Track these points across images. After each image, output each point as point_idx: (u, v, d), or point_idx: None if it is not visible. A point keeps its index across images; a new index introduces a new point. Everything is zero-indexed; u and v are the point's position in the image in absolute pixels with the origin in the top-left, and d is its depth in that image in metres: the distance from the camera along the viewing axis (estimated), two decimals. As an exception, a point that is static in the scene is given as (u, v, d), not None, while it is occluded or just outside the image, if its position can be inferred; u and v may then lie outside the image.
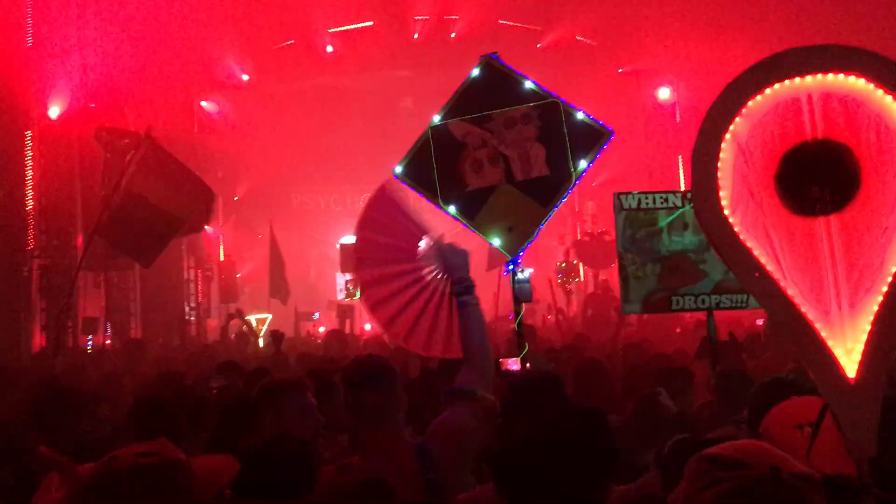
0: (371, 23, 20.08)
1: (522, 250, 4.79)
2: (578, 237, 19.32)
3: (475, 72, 5.09)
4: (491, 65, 5.11)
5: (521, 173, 4.85)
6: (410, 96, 20.63)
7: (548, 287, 19.88)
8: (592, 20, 18.96)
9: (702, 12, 16.30)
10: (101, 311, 14.78)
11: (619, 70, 20.91)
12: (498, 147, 4.89)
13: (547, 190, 4.82)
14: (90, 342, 14.56)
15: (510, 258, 4.75)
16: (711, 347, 5.63)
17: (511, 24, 19.20)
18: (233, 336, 15.31)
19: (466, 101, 5.03)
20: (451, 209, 4.85)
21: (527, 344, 4.54)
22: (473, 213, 4.86)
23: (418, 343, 3.93)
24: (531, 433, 2.28)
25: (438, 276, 3.89)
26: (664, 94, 20.16)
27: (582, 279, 19.06)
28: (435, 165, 4.88)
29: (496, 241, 4.80)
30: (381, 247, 4.10)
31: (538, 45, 20.23)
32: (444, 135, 4.95)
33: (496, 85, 5.02)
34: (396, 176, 4.92)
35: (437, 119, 5.00)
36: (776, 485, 1.55)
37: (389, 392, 3.28)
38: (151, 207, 10.20)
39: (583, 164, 4.80)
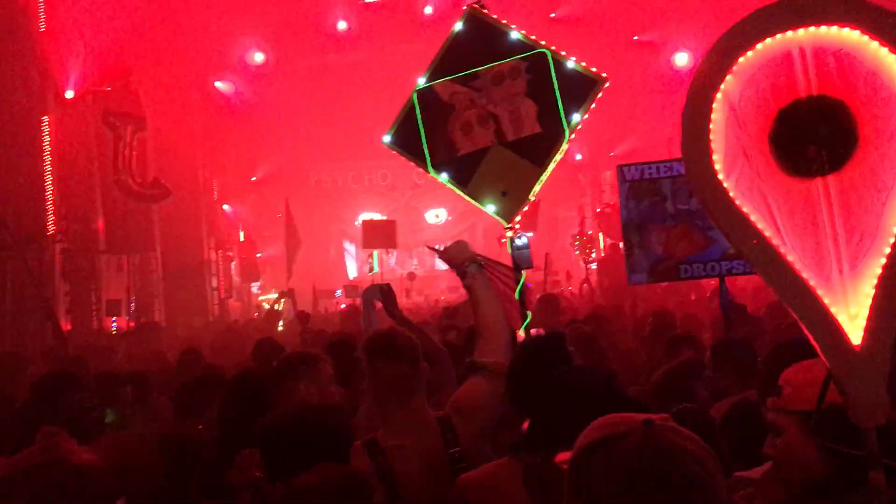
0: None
1: (518, 215, 4.49)
2: (598, 209, 19.13)
3: (458, 26, 4.77)
4: (475, 16, 4.77)
5: (512, 132, 4.51)
6: (424, 70, 20.46)
7: (567, 258, 19.84)
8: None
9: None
10: (123, 294, 14.95)
11: (635, 38, 20.58)
12: (487, 106, 4.55)
13: (541, 148, 4.47)
14: (115, 324, 14.74)
15: (506, 224, 4.46)
16: (724, 313, 5.55)
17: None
18: (256, 315, 15.43)
19: (451, 59, 4.69)
20: (444, 177, 4.57)
21: (529, 312, 4.38)
22: (466, 179, 4.54)
23: None
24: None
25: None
26: (682, 60, 19.82)
27: (602, 251, 18.92)
28: (423, 131, 4.59)
29: (490, 208, 4.50)
30: None
31: (552, 15, 19.94)
32: (430, 97, 4.63)
33: (482, 38, 4.69)
34: (385, 144, 4.70)
35: (421, 81, 4.69)
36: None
37: (412, 364, 3.27)
38: None
39: (576, 116, 4.43)
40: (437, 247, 4.49)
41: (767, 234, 2.06)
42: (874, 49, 1.95)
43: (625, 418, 1.60)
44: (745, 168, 2.01)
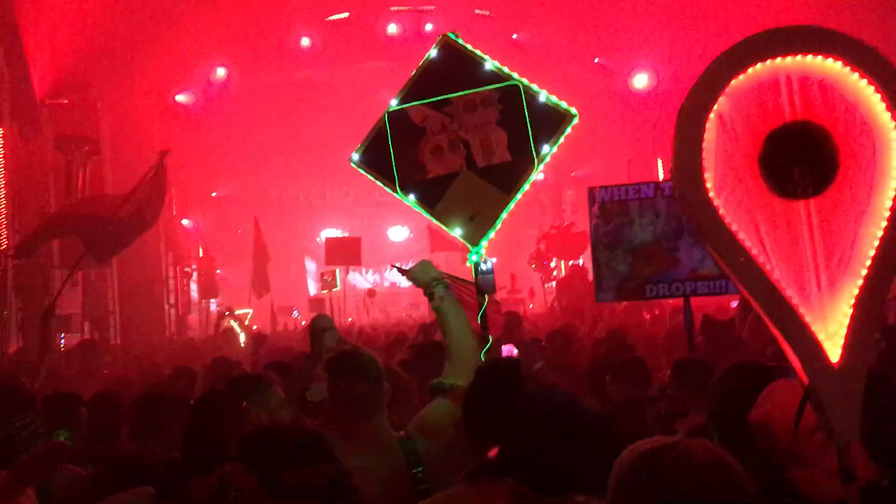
0: (346, 14, 19.95)
1: (485, 239, 4.53)
2: (546, 231, 19.41)
3: (433, 52, 4.82)
4: (449, 44, 4.82)
5: (482, 160, 4.58)
6: (387, 88, 20.53)
7: (528, 276, 19.99)
8: (568, 10, 18.94)
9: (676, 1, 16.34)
10: (79, 310, 14.63)
11: (596, 60, 20.94)
12: (458, 132, 4.61)
13: (509, 176, 4.55)
14: (62, 340, 14.40)
15: (472, 248, 4.51)
16: (687, 334, 5.65)
17: (486, 13, 19.14)
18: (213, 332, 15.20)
19: (425, 84, 4.73)
20: (410, 198, 4.59)
21: (490, 336, 4.41)
22: (434, 201, 4.58)
23: None
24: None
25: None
26: (641, 82, 20.20)
27: (560, 270, 19.13)
28: (392, 152, 4.61)
29: (458, 231, 4.54)
30: None
31: (514, 36, 20.20)
32: (401, 120, 4.67)
33: (455, 66, 4.74)
34: (353, 163, 4.70)
35: (394, 103, 4.72)
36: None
37: (375, 384, 3.26)
38: (141, 217, 10.53)
39: (546, 148, 4.54)
40: (399, 265, 4.50)
41: (754, 252, 2.13)
42: (855, 80, 2.05)
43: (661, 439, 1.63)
44: (735, 187, 2.08)
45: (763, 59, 2.03)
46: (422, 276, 3.75)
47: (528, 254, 19.40)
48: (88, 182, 14.59)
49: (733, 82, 2.05)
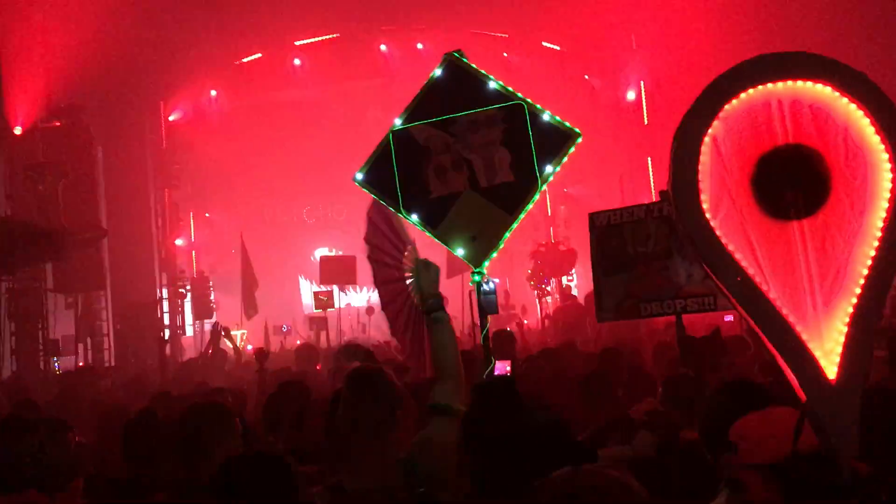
0: (337, 34, 20.08)
1: (487, 260, 4.52)
2: (533, 249, 19.51)
3: (438, 72, 4.85)
4: (454, 64, 4.85)
5: (485, 180, 4.59)
6: (378, 106, 20.63)
7: (522, 293, 20.01)
8: (559, 27, 19.11)
9: (666, 17, 16.49)
10: (71, 333, 14.60)
11: (586, 77, 21.11)
12: (462, 152, 4.63)
13: (513, 196, 4.55)
14: (57, 364, 14.36)
15: (474, 268, 4.49)
16: (680, 348, 5.73)
17: (477, 31, 19.29)
18: (209, 352, 15.13)
19: (429, 103, 4.76)
20: (414, 218, 4.59)
21: (493, 358, 4.39)
22: (437, 221, 4.59)
23: (406, 351, 3.92)
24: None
25: (412, 291, 3.90)
26: (631, 96, 20.36)
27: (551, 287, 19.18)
28: (396, 172, 4.63)
29: (460, 251, 4.53)
30: (385, 250, 4.10)
31: (504, 54, 20.36)
32: (405, 139, 4.69)
33: (459, 85, 4.77)
34: (357, 183, 4.71)
35: (398, 122, 4.75)
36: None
37: (390, 406, 3.25)
38: None
39: (549, 168, 4.55)
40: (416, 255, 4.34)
41: (751, 271, 2.18)
42: (844, 105, 2.11)
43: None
44: (730, 208, 2.13)
45: (755, 84, 2.09)
46: (429, 287, 3.74)
47: (521, 269, 19.43)
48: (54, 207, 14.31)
49: (727, 106, 2.10)
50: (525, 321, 18.89)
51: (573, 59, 20.43)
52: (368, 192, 4.69)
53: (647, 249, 5.86)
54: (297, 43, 20.68)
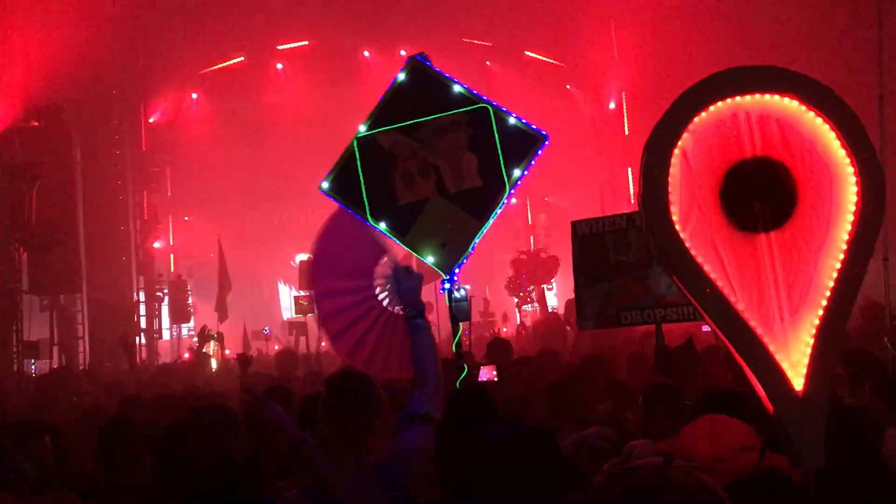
0: (320, 40, 20.07)
1: (458, 266, 4.47)
2: (513, 257, 19.52)
3: (401, 76, 4.76)
4: (417, 68, 4.77)
5: (453, 185, 4.53)
6: (359, 113, 20.60)
7: (502, 300, 20.04)
8: (542, 37, 19.21)
9: (647, 28, 16.63)
10: (47, 335, 14.43)
11: (568, 87, 21.22)
12: (428, 157, 4.57)
13: (481, 201, 4.49)
14: (34, 367, 14.18)
15: (445, 276, 4.43)
16: (658, 357, 5.77)
17: (461, 39, 19.35)
18: (187, 356, 15.04)
19: (394, 109, 4.67)
20: (382, 226, 4.50)
21: (466, 365, 4.36)
22: (405, 229, 4.51)
23: (360, 359, 3.87)
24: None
25: (390, 297, 3.87)
26: (611, 107, 20.50)
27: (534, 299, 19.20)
28: (363, 179, 4.55)
29: (430, 259, 4.47)
30: (340, 259, 4.02)
31: (487, 63, 20.43)
32: (371, 146, 4.61)
33: (424, 90, 4.70)
34: (323, 191, 4.63)
35: (363, 129, 4.66)
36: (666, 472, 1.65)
37: (369, 413, 3.26)
38: None
39: (517, 172, 4.48)
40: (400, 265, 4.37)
41: (719, 283, 2.20)
42: (811, 118, 2.14)
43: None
44: (699, 220, 2.15)
45: (724, 98, 2.11)
46: (410, 294, 3.73)
47: (501, 277, 19.46)
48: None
49: (696, 119, 2.12)
50: (504, 329, 18.95)
51: (555, 68, 20.53)
52: (335, 200, 4.58)
53: (629, 258, 5.91)
54: (280, 47, 20.65)
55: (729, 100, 2.11)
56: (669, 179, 2.13)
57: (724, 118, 2.12)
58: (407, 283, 3.75)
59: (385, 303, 3.79)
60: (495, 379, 4.81)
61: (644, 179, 2.17)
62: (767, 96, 2.11)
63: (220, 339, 14.99)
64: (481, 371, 5.26)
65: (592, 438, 3.62)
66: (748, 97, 2.11)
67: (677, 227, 2.14)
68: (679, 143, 2.13)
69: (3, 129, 13.92)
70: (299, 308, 17.53)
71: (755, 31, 13.76)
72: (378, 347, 3.77)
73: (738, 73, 2.12)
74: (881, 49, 6.32)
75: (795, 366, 2.31)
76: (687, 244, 2.15)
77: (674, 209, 2.14)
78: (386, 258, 3.98)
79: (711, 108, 2.12)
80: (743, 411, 2.77)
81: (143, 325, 18.77)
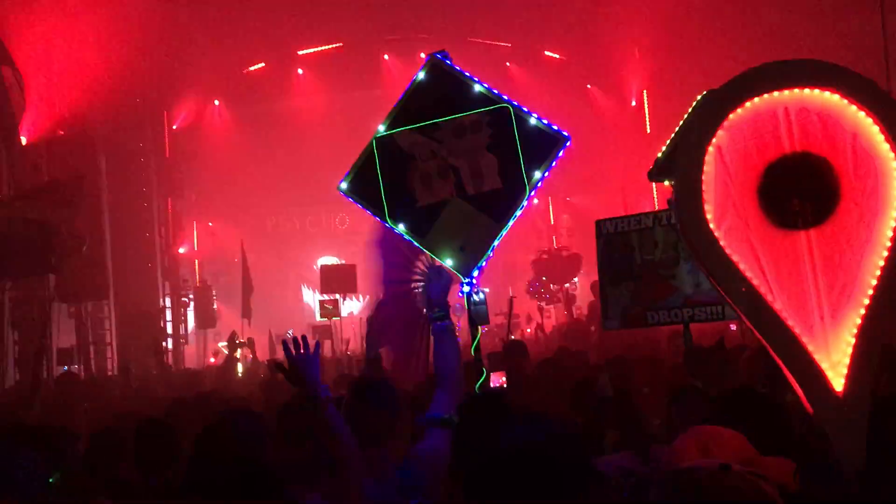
0: (340, 44, 20.12)
1: (477, 269, 4.37)
2: (534, 258, 19.39)
3: (421, 75, 4.68)
4: (437, 67, 4.68)
5: (472, 186, 4.43)
6: (381, 116, 20.63)
7: (525, 301, 19.96)
8: (561, 37, 19.12)
9: (667, 26, 16.50)
10: (76, 343, 14.58)
11: (588, 86, 21.11)
12: (447, 158, 4.48)
13: (501, 203, 4.39)
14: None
15: (464, 279, 4.32)
16: (686, 359, 5.68)
17: (480, 40, 19.31)
18: (213, 360, 15.11)
19: (413, 108, 4.60)
20: (401, 227, 4.43)
21: (485, 369, 4.29)
22: (424, 230, 4.41)
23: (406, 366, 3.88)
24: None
25: (421, 296, 3.87)
26: (633, 105, 20.36)
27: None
28: (381, 180, 4.48)
29: (448, 262, 4.35)
30: (396, 250, 4.05)
31: (507, 63, 20.37)
32: (389, 146, 4.54)
33: (444, 89, 4.61)
34: (341, 192, 4.59)
35: (381, 129, 4.58)
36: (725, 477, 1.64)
37: (390, 414, 3.29)
38: None
39: (537, 174, 4.37)
40: (436, 266, 4.23)
41: (755, 282, 2.15)
42: (853, 112, 2.07)
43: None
44: (734, 218, 2.10)
45: (761, 93, 2.06)
46: (438, 295, 3.69)
47: (524, 279, 19.38)
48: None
49: (731, 116, 2.08)
50: (528, 330, 18.87)
51: (575, 68, 20.43)
52: (354, 201, 4.57)
53: (655, 257, 5.81)
54: (301, 53, 20.73)
55: (766, 95, 2.06)
56: (704, 177, 2.08)
57: (762, 114, 2.07)
58: (438, 281, 3.72)
59: (418, 300, 3.78)
60: (504, 385, 4.75)
61: (678, 178, 2.12)
62: (807, 90, 2.06)
63: (250, 344, 15.06)
64: (491, 378, 5.20)
65: (614, 475, 3.56)
66: (786, 92, 2.06)
67: (711, 225, 2.10)
68: (714, 140, 2.09)
69: (30, 139, 14.06)
70: (324, 312, 17.58)
71: (777, 26, 13.60)
72: (410, 352, 3.78)
73: (777, 68, 2.07)
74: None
75: (836, 366, 2.26)
76: (721, 243, 2.11)
77: (708, 207, 2.10)
78: (424, 255, 3.97)
79: (748, 103, 2.07)
80: (761, 410, 2.71)
81: (168, 330, 18.90)
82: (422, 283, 3.87)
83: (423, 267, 3.92)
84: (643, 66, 19.02)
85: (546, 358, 8.45)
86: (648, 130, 19.51)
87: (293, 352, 3.17)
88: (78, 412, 7.85)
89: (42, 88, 14.16)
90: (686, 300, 5.69)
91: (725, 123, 2.09)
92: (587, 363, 8.14)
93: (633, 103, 20.38)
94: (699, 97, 2.42)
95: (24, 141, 13.92)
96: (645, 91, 19.89)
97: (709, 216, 2.11)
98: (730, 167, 2.10)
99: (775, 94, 2.08)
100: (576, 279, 19.11)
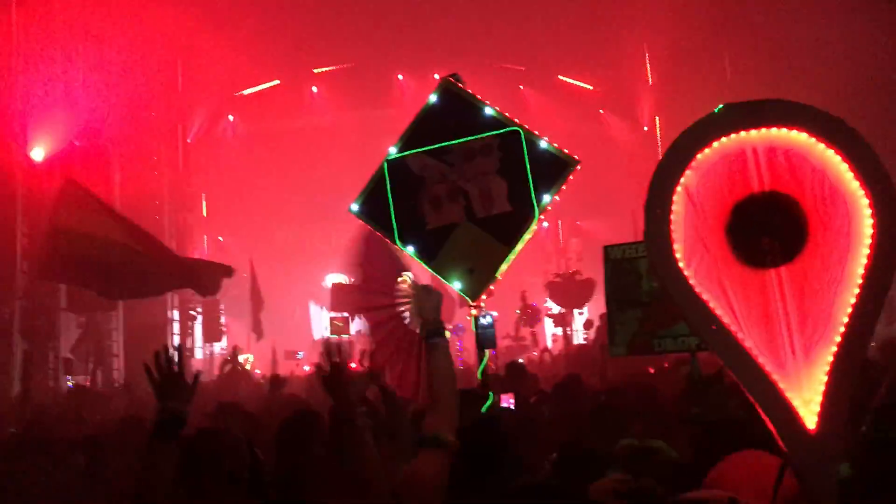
0: (354, 63, 20.29)
1: (483, 293, 4.42)
2: (551, 278, 19.31)
3: (433, 98, 4.77)
4: (449, 90, 4.77)
5: (482, 210, 4.50)
6: (394, 135, 20.74)
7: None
8: (575, 61, 19.20)
9: (681, 52, 16.56)
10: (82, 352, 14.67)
11: (601, 111, 21.17)
12: (457, 182, 4.55)
13: (509, 227, 4.45)
14: (70, 383, 14.39)
15: (471, 301, 4.38)
16: (693, 388, 5.63)
17: (494, 63, 19.42)
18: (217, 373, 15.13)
19: (424, 131, 4.68)
20: (410, 249, 4.51)
21: (491, 392, 4.30)
22: (433, 253, 4.49)
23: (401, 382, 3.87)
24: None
25: (411, 317, 3.86)
26: (646, 130, 20.39)
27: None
28: (392, 202, 4.56)
29: (457, 285, 4.42)
30: (373, 279, 4.05)
31: (520, 87, 20.46)
32: (401, 169, 4.62)
33: (455, 112, 4.68)
34: (353, 213, 4.66)
35: (393, 151, 4.66)
36: None
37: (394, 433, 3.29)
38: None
39: (546, 197, 4.43)
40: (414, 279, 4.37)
41: (726, 320, 2.15)
42: (821, 150, 2.08)
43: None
44: (704, 257, 2.11)
45: (728, 133, 2.08)
46: (429, 313, 3.71)
47: (531, 301, 19.31)
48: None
49: (699, 156, 2.09)
50: (535, 353, 18.79)
51: (588, 93, 20.51)
52: (364, 221, 4.63)
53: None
54: (315, 71, 20.91)
55: (734, 135, 2.08)
56: (672, 217, 2.10)
57: (730, 153, 2.09)
58: (428, 300, 3.73)
59: (407, 321, 3.77)
60: (512, 407, 4.75)
61: (648, 216, 2.14)
62: (774, 130, 2.08)
63: (235, 356, 15.12)
64: (501, 398, 5.20)
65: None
66: (754, 131, 2.08)
67: (681, 264, 2.11)
68: (682, 179, 2.11)
69: (46, 154, 14.23)
70: (334, 328, 17.59)
71: (788, 52, 13.58)
72: (406, 369, 3.78)
73: (743, 108, 2.09)
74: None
75: (808, 404, 2.25)
76: (691, 281, 2.12)
77: (677, 247, 2.11)
78: (403, 277, 3.98)
79: (715, 143, 2.09)
80: (740, 440, 2.71)
81: (176, 343, 18.97)
82: (406, 305, 3.87)
83: (405, 288, 3.92)
84: (656, 91, 19.05)
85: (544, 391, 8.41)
86: (661, 156, 19.48)
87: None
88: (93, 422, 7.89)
89: (58, 101, 14.33)
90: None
91: (693, 164, 2.11)
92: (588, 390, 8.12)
93: (646, 128, 20.40)
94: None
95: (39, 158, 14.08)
96: (657, 117, 19.90)
97: (678, 255, 2.12)
98: (699, 207, 2.12)
99: (742, 133, 2.09)
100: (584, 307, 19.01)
